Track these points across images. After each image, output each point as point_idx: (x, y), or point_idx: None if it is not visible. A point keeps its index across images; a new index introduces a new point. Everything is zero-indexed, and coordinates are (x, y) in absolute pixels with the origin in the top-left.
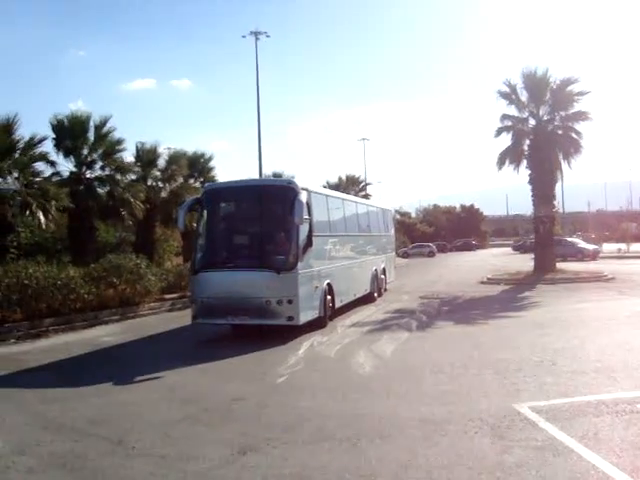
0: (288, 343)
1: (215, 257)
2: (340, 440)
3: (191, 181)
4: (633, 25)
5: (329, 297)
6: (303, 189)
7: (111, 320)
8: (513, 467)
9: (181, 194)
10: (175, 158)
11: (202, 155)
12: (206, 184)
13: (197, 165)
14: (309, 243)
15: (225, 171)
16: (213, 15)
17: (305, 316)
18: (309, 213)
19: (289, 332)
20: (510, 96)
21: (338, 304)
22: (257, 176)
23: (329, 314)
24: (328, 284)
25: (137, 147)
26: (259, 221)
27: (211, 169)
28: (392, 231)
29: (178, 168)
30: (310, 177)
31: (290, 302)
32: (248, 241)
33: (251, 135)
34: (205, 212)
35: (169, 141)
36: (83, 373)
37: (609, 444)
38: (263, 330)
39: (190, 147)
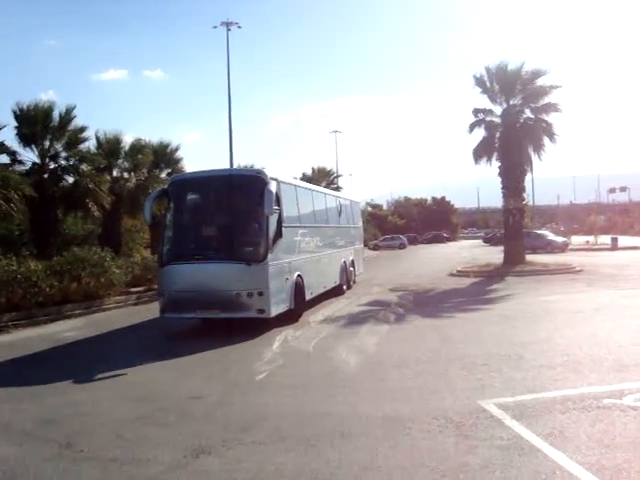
0: (258, 337)
1: (183, 249)
2: (298, 440)
3: (157, 172)
4: (601, 20)
5: (300, 289)
6: (272, 179)
7: (74, 314)
8: (477, 468)
9: (147, 185)
10: (140, 148)
11: (168, 145)
12: (173, 175)
13: (164, 155)
14: (279, 234)
15: (197, 162)
16: (187, 5)
17: (276, 309)
18: (278, 204)
19: (259, 326)
20: (484, 84)
21: (308, 297)
22: (228, 166)
23: (300, 307)
24: (298, 276)
25: (97, 136)
26: (228, 212)
27: (179, 160)
28: (360, 223)
29: (143, 158)
30: (282, 169)
31: (261, 294)
32: (217, 233)
33: (223, 127)
34: (172, 203)
35: (141, 132)
36: (41, 371)
37: (575, 442)
38: (233, 324)
39: (163, 138)
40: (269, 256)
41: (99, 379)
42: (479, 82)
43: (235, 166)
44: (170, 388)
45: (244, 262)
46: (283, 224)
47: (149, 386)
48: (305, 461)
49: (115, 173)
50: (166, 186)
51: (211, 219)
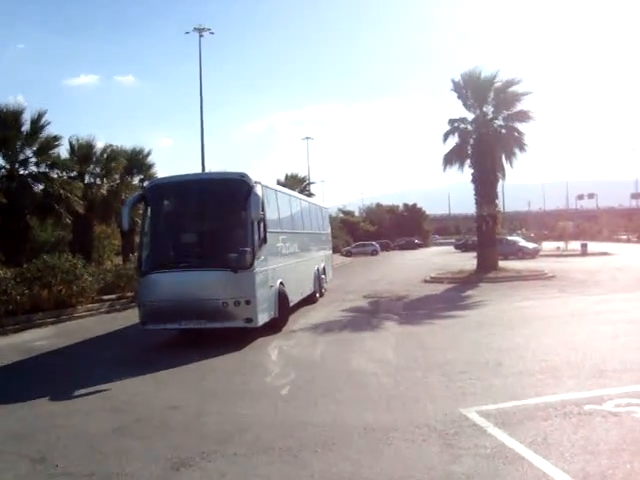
0: (247, 348)
1: (165, 257)
2: (280, 451)
3: (130, 178)
4: (568, 30)
5: (284, 297)
6: (256, 182)
7: (45, 323)
8: (463, 478)
9: (120, 191)
10: (113, 154)
11: (141, 151)
12: (151, 179)
13: (136, 161)
14: (264, 240)
15: (169, 168)
16: (159, 10)
17: (262, 318)
18: (262, 208)
19: (242, 336)
20: (461, 89)
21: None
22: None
23: (284, 316)
24: (281, 283)
25: (70, 143)
26: (211, 217)
27: (151, 165)
28: (329, 229)
29: (116, 164)
30: (255, 176)
31: (248, 303)
32: (200, 239)
33: (195, 132)
34: (150, 209)
35: (112, 138)
36: (12, 382)
37: (559, 449)
38: (211, 334)
39: (135, 144)
40: (255, 263)
41: (74, 391)
42: (456, 87)
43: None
44: (147, 399)
45: (230, 269)
46: (267, 229)
47: (124, 398)
48: (288, 472)
49: (87, 179)
50: (143, 191)
51: (193, 225)
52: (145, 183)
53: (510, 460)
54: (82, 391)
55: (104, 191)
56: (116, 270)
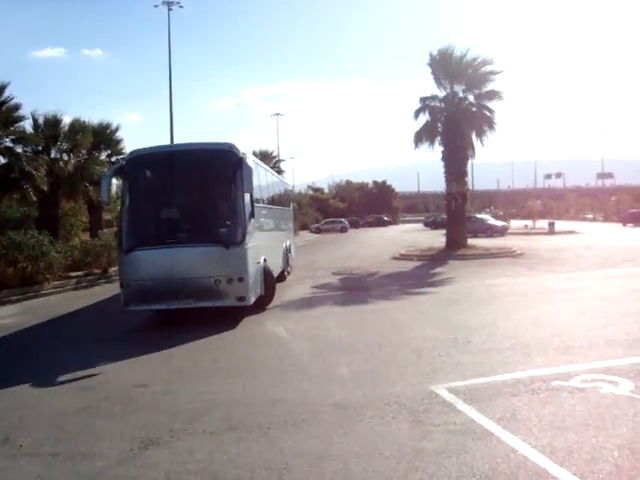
0: (239, 327)
1: (150, 233)
2: (250, 429)
3: (97, 153)
4: (538, 8)
5: (269, 274)
6: (243, 154)
7: (10, 300)
8: (432, 454)
9: (87, 167)
10: (79, 128)
11: (108, 126)
12: (131, 151)
13: (103, 136)
14: (252, 214)
15: (137, 144)
16: None
17: (253, 295)
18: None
19: (225, 314)
20: (434, 66)
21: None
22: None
23: (269, 293)
24: (264, 260)
25: (33, 116)
26: (199, 190)
27: (119, 141)
28: (291, 206)
29: (82, 139)
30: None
31: (241, 280)
32: (188, 213)
33: (164, 108)
34: (131, 182)
35: (80, 113)
36: None
37: (527, 425)
38: (193, 314)
39: (103, 119)
40: (246, 238)
41: (39, 370)
42: (432, 61)
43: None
44: (115, 378)
45: (222, 245)
46: (254, 204)
47: (98, 377)
48: (258, 451)
49: (53, 154)
50: (123, 163)
51: (180, 198)
52: (114, 158)
53: (479, 436)
54: (48, 370)
55: (71, 167)
56: (83, 247)
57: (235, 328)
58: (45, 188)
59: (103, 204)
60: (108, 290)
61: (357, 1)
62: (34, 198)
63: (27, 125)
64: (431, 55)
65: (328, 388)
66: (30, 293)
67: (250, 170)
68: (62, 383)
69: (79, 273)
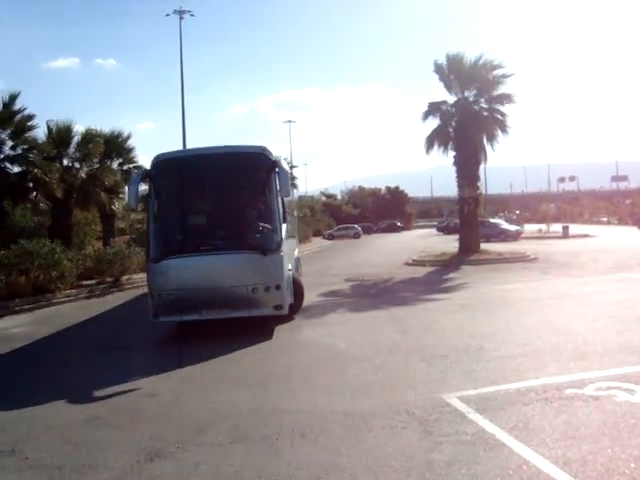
0: (274, 338)
1: (184, 240)
2: (257, 440)
3: (109, 162)
4: (551, 12)
5: (296, 282)
6: (277, 157)
7: (22, 310)
8: (443, 466)
9: (99, 175)
10: (90, 137)
11: (120, 135)
12: (157, 155)
13: (115, 145)
14: (284, 219)
15: (151, 151)
16: None
17: (288, 304)
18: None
19: (250, 324)
20: (443, 71)
21: None
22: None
23: (299, 301)
24: (290, 267)
25: (48, 126)
26: (232, 195)
27: (131, 149)
28: (295, 212)
29: (94, 147)
30: None
31: (278, 288)
32: (223, 219)
33: (177, 116)
34: (158, 187)
35: (94, 122)
36: None
37: (540, 435)
38: (212, 323)
39: (116, 127)
40: (282, 244)
41: (47, 379)
42: (438, 69)
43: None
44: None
45: (260, 252)
46: (286, 209)
47: (106, 387)
48: (265, 462)
49: (66, 163)
50: (149, 167)
51: (213, 204)
52: (126, 166)
53: (491, 447)
54: (55, 380)
55: (83, 175)
56: (96, 255)
57: (271, 339)
58: (59, 195)
59: (132, 209)
60: (119, 298)
61: (367, 8)
62: (46, 206)
63: (41, 134)
64: (435, 63)
65: (336, 397)
66: (42, 302)
67: (286, 173)
68: (69, 394)
69: (91, 282)
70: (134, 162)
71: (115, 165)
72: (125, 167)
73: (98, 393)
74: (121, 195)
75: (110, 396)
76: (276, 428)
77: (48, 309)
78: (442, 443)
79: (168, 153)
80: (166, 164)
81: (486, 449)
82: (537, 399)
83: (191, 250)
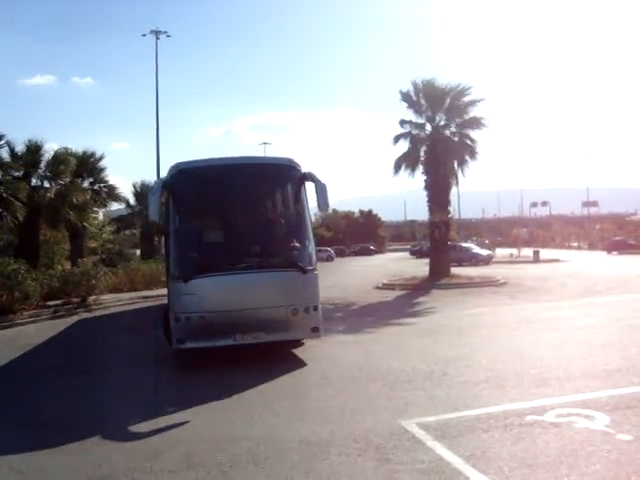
0: (307, 366)
1: (216, 257)
2: (210, 467)
3: (80, 181)
4: (520, 37)
5: None
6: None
7: None
8: None
9: (69, 194)
10: (62, 156)
11: (92, 154)
12: (176, 163)
13: (87, 164)
14: (313, 235)
15: (125, 171)
16: (119, 12)
17: None
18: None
19: (267, 349)
20: (411, 99)
21: None
22: (155, 177)
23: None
24: None
25: (9, 144)
26: (261, 209)
27: (102, 169)
28: None
29: (65, 167)
30: None
31: (315, 309)
32: (256, 235)
33: (152, 136)
34: (181, 199)
35: (68, 139)
36: None
37: (497, 463)
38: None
39: (91, 147)
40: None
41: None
42: (405, 97)
43: (162, 176)
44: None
45: (299, 270)
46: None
47: (58, 411)
48: None
49: (34, 182)
50: (167, 178)
51: (243, 218)
52: (97, 186)
53: (447, 476)
54: (6, 404)
55: (52, 194)
56: (62, 275)
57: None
58: (21, 215)
59: (154, 222)
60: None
61: (343, 33)
62: (12, 225)
63: (3, 152)
64: (401, 92)
65: (294, 424)
66: (5, 323)
67: (324, 186)
68: (17, 418)
69: (57, 302)
70: (105, 182)
71: (86, 184)
72: (96, 187)
73: (51, 419)
74: (91, 214)
75: (63, 422)
76: (231, 455)
77: (10, 330)
78: (398, 471)
79: (189, 162)
80: (189, 174)
81: (442, 478)
82: (497, 426)
83: (225, 268)
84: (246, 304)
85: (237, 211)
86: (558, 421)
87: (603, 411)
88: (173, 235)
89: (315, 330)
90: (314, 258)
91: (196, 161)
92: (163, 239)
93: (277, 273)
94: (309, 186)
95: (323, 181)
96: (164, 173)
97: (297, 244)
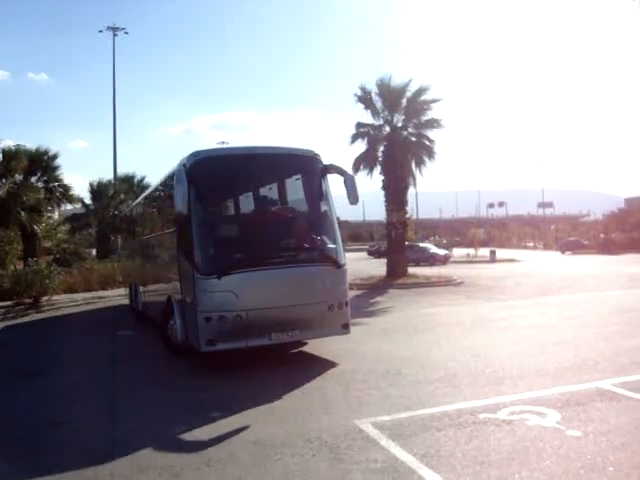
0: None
1: (252, 250)
2: (161, 469)
3: (33, 179)
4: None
5: None
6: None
7: None
8: None
9: (21, 193)
10: (13, 153)
11: (46, 152)
12: (197, 151)
13: (40, 162)
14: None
15: (82, 169)
16: (76, 8)
17: None
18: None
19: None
20: (367, 100)
21: None
22: (112, 175)
23: None
24: None
25: None
26: (290, 201)
27: (57, 167)
28: None
29: (15, 164)
30: None
31: (347, 305)
32: (287, 228)
33: (110, 135)
34: (202, 189)
35: (23, 137)
36: None
37: (451, 461)
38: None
39: (45, 144)
40: None
41: None
42: (361, 99)
43: (119, 174)
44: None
45: (334, 265)
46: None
47: (9, 414)
48: None
49: None
50: (186, 166)
51: (270, 210)
52: (51, 184)
53: (401, 475)
54: None
55: (2, 193)
56: (14, 275)
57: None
58: None
59: (178, 211)
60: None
61: (303, 33)
62: None
63: None
64: (356, 95)
65: (249, 424)
66: None
67: (353, 179)
68: None
69: (8, 303)
70: (59, 180)
71: (40, 184)
72: (49, 186)
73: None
74: (45, 214)
75: (14, 424)
76: (182, 457)
77: None
78: (352, 471)
79: (211, 150)
80: (211, 162)
81: (395, 477)
82: (451, 424)
83: (262, 262)
84: (285, 301)
85: (266, 203)
86: (511, 419)
87: (555, 408)
88: (198, 228)
89: (345, 327)
90: (343, 252)
91: (221, 149)
92: (175, 233)
93: (314, 268)
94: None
95: (352, 175)
96: (125, 169)
97: (328, 238)
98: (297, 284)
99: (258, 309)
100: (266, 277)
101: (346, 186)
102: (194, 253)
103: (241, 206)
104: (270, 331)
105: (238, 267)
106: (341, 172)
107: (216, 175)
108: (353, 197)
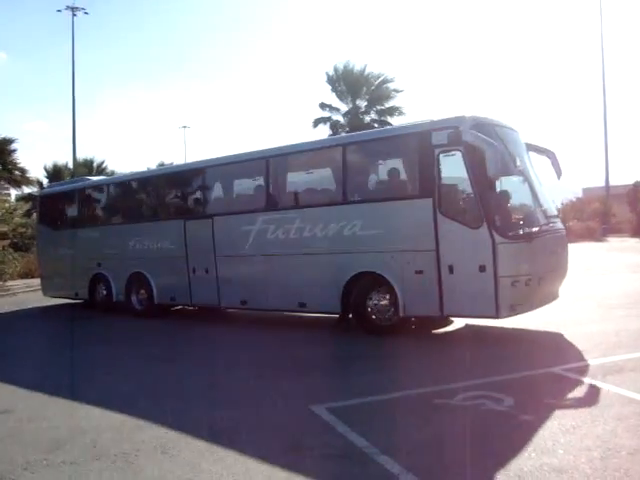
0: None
1: (538, 216)
2: (115, 457)
3: None
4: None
5: None
6: None
7: None
8: None
9: None
10: None
11: (3, 139)
12: (467, 116)
13: None
14: None
15: (43, 151)
16: None
17: None
18: None
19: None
20: (334, 83)
21: None
22: (71, 158)
23: None
24: None
25: None
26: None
27: (13, 151)
28: None
29: None
30: (129, 163)
31: None
32: (542, 194)
33: (70, 116)
34: (492, 156)
35: None
36: None
37: (406, 446)
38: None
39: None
40: None
41: None
42: (330, 80)
43: (78, 158)
44: None
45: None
46: None
47: None
48: None
49: None
50: (453, 130)
51: (528, 176)
52: (9, 167)
53: (356, 460)
54: None
55: None
56: None
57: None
58: None
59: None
60: None
61: (269, 21)
62: None
63: None
64: (328, 74)
65: (204, 410)
66: None
67: (556, 155)
68: None
69: None
70: (14, 164)
71: None
72: (6, 169)
73: None
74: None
75: None
76: (137, 444)
77: None
78: (307, 457)
79: (476, 117)
80: (482, 128)
81: (351, 463)
82: (406, 409)
83: (542, 228)
84: (559, 266)
85: (525, 172)
86: (466, 404)
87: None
88: (484, 189)
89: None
90: None
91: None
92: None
93: (564, 233)
94: None
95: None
96: (86, 152)
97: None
98: (565, 250)
99: (550, 272)
100: (554, 243)
101: (552, 164)
102: (494, 218)
103: (518, 174)
104: (548, 296)
105: (535, 233)
106: (539, 150)
107: (479, 143)
108: (559, 172)
